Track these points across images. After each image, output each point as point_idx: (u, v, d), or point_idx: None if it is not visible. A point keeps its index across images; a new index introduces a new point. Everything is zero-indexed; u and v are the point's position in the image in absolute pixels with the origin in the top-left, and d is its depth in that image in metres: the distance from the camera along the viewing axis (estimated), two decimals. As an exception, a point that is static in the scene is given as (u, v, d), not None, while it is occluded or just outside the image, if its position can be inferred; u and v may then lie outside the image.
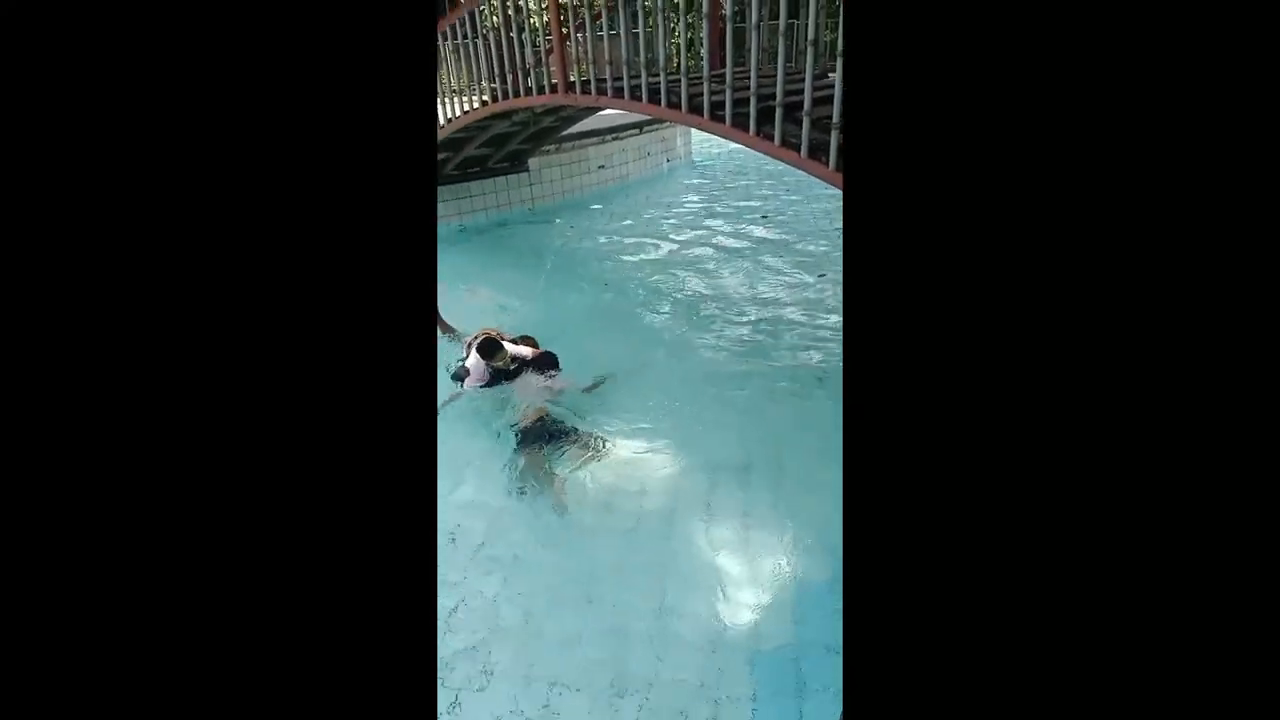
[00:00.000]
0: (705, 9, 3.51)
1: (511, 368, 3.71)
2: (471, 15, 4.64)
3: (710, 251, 6.23)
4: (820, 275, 5.34)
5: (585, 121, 7.12)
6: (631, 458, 3.26)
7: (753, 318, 4.77)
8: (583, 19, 4.16)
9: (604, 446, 3.32)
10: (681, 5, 3.41)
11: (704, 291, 5.30)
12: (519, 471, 3.17)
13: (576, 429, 3.42)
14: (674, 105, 3.68)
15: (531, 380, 3.62)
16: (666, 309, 5.03)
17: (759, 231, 6.75)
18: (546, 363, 3.72)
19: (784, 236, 6.58)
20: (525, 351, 3.77)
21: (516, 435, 3.35)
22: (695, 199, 8.21)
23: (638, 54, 3.72)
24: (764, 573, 2.57)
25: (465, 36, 4.67)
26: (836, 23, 2.89)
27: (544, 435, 3.36)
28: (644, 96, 3.77)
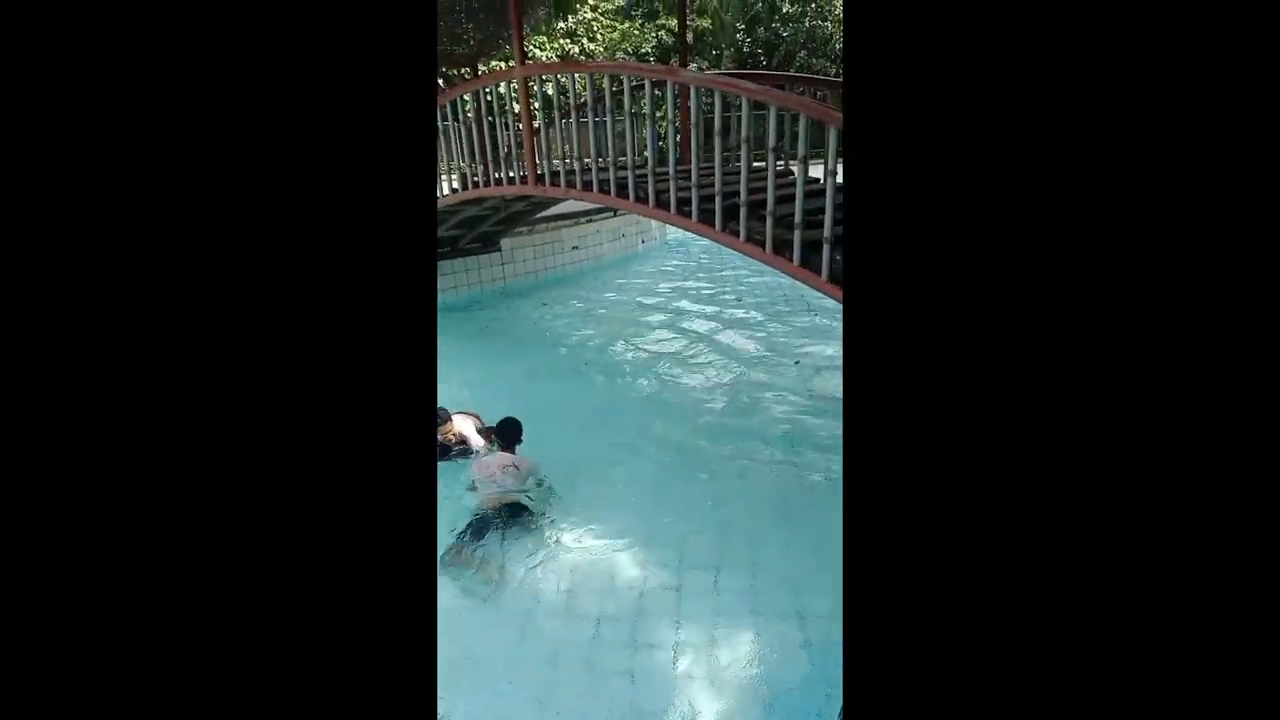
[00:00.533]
0: (672, 115, 3.62)
1: (453, 447, 3.56)
2: (454, 102, 4.75)
3: (683, 332, 6.22)
4: (796, 362, 5.33)
5: (560, 205, 7.25)
6: (595, 554, 3.07)
7: (726, 402, 4.69)
8: (552, 116, 4.27)
9: (565, 540, 3.13)
10: (648, 109, 3.51)
11: (676, 374, 5.24)
12: (474, 566, 2.96)
13: (536, 520, 3.23)
14: (641, 200, 3.73)
15: (491, 460, 3.41)
16: (638, 391, 4.95)
17: (732, 312, 6.80)
18: (507, 433, 3.49)
19: (757, 316, 6.63)
20: (475, 440, 3.62)
21: (469, 523, 3.14)
22: (670, 279, 8.30)
23: (607, 149, 3.79)
24: (733, 677, 2.38)
25: (445, 119, 4.75)
26: (795, 130, 2.98)
27: (499, 525, 3.15)
28: (612, 190, 3.82)
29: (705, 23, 15.52)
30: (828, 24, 14.66)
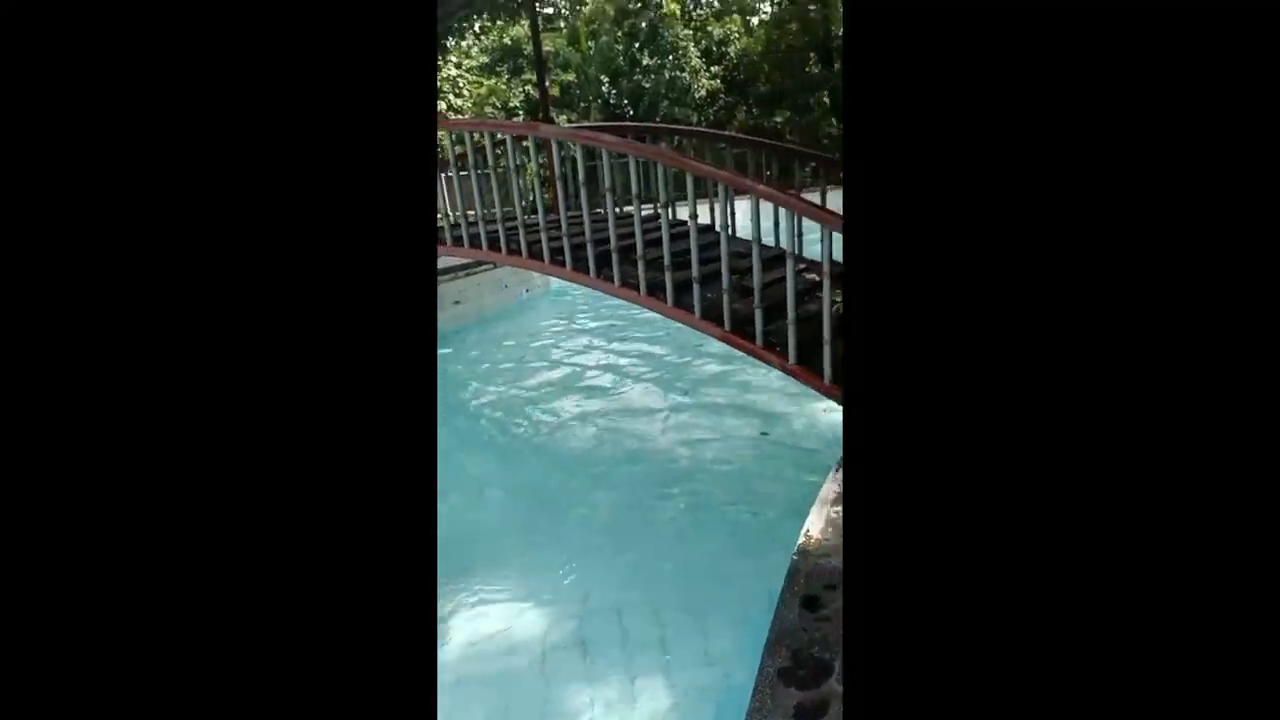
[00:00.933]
0: (538, 168, 3.69)
1: None
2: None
3: (571, 378, 6.22)
4: (685, 392, 5.46)
5: (438, 260, 7.08)
6: (493, 606, 2.93)
7: (617, 445, 4.71)
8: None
9: (461, 610, 2.97)
10: (511, 163, 3.56)
11: (566, 422, 5.20)
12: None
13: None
14: (514, 252, 3.74)
15: None
16: (527, 442, 4.86)
17: (619, 348, 6.91)
18: None
19: (653, 351, 6.76)
20: None
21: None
22: (555, 327, 8.31)
23: (476, 203, 3.78)
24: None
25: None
26: (655, 175, 3.12)
27: None
28: (484, 244, 3.80)
29: (570, 77, 16.09)
30: (685, 74, 15.65)
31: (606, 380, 6.10)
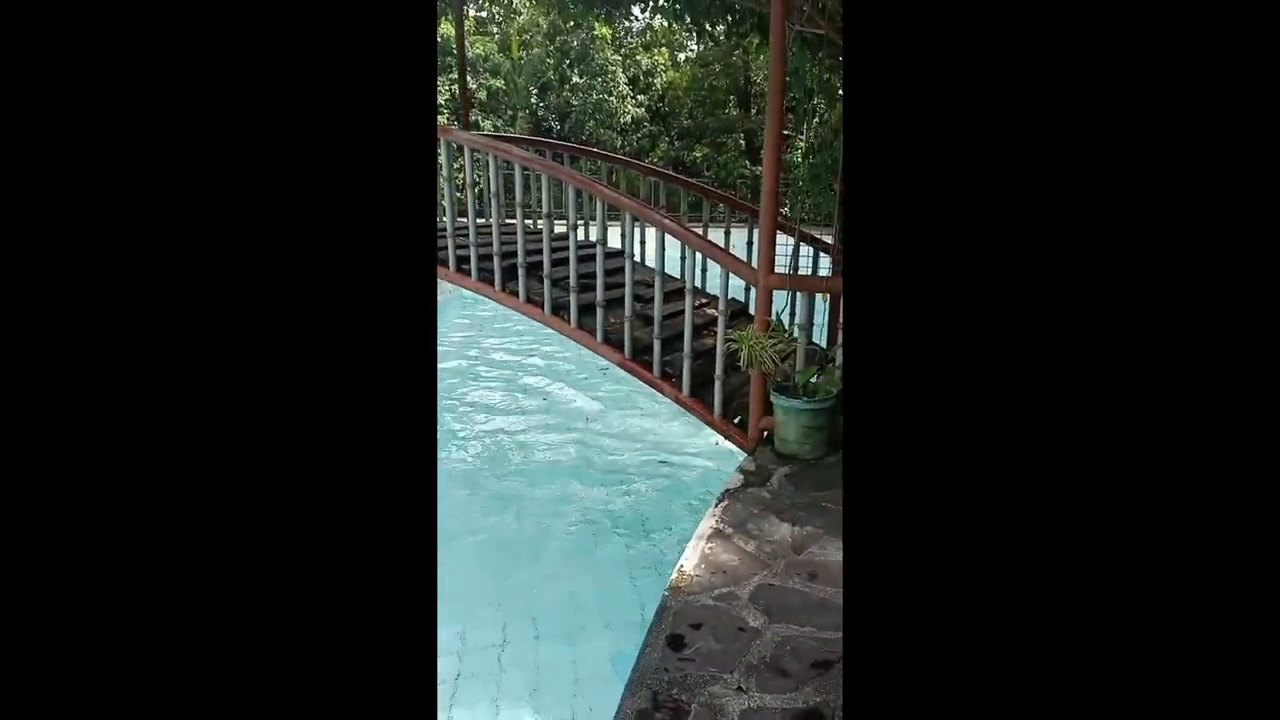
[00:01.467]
0: (450, 174, 3.59)
1: None
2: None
3: (477, 391, 6.06)
4: (587, 420, 5.44)
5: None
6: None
7: (518, 458, 4.62)
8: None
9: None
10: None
11: (468, 435, 5.05)
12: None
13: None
14: (417, 256, 3.61)
15: None
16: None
17: (526, 355, 6.81)
18: None
19: (555, 357, 6.69)
20: None
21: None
22: (464, 334, 8.08)
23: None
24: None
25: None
26: (567, 194, 3.13)
27: None
28: (385, 245, 3.65)
29: (499, 83, 15.88)
30: (612, 98, 15.86)
31: (510, 389, 5.99)
